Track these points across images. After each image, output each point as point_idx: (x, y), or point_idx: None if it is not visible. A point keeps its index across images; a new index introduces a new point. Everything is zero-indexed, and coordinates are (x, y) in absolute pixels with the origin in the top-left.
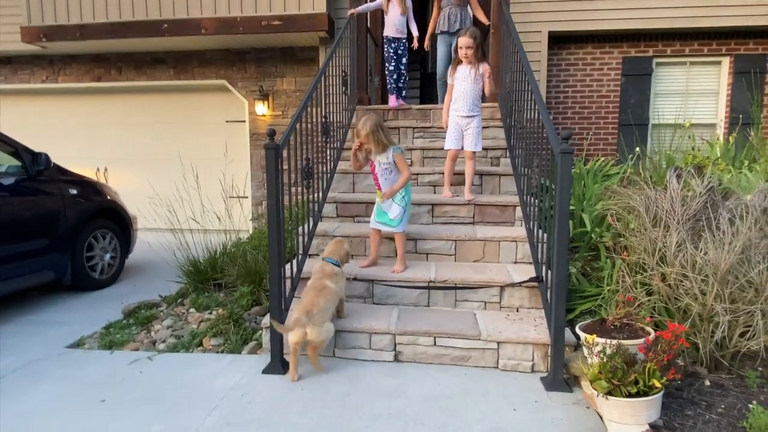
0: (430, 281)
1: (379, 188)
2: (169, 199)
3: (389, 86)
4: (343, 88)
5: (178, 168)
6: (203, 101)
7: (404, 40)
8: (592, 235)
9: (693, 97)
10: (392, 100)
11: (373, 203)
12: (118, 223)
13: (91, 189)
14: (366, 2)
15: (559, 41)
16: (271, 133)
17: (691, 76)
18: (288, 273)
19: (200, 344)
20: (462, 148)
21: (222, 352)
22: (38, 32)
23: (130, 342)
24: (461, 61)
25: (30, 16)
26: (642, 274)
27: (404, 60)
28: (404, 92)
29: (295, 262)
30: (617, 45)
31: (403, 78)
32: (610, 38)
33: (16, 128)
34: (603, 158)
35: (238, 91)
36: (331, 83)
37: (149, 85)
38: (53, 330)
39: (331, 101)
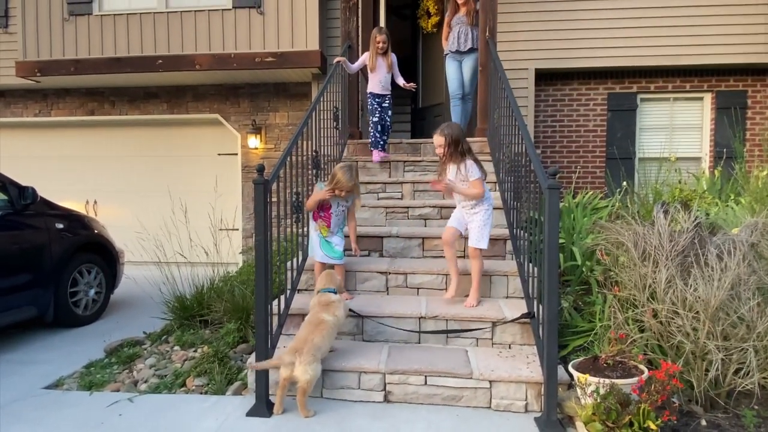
0: (421, 317)
1: (329, 226)
2: (158, 232)
3: (372, 139)
4: (335, 123)
5: (168, 200)
6: (196, 135)
7: (389, 96)
8: (583, 269)
9: (678, 131)
10: (375, 155)
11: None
12: (105, 257)
13: (77, 223)
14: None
15: (545, 77)
16: (261, 168)
17: (675, 111)
18: (276, 309)
19: (183, 384)
20: (462, 236)
21: (206, 392)
22: (33, 67)
23: (111, 382)
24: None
25: (26, 51)
26: (633, 311)
27: (389, 113)
28: (386, 144)
29: (283, 298)
30: (602, 81)
31: (387, 132)
32: (595, 75)
33: (8, 160)
34: (591, 192)
35: (231, 124)
36: (322, 118)
37: (142, 119)
38: (31, 369)
39: (322, 135)
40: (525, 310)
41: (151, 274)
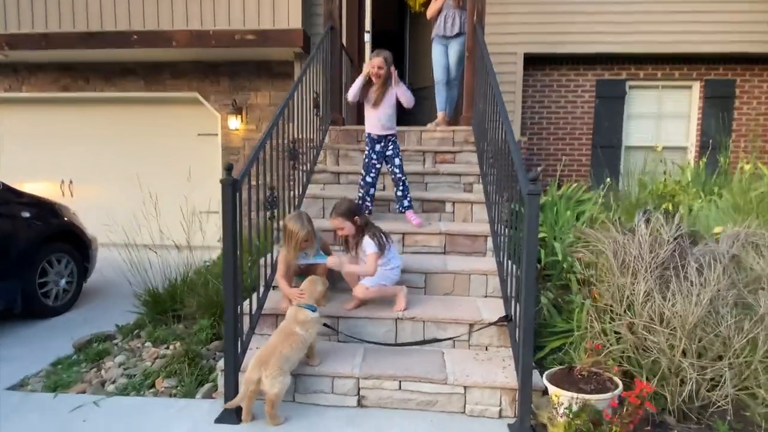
0: (398, 318)
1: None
2: (136, 213)
3: (360, 202)
4: (315, 110)
5: (147, 181)
6: (174, 113)
7: (394, 137)
8: (564, 265)
9: (665, 120)
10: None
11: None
12: (76, 245)
13: (46, 211)
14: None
15: (534, 62)
16: (229, 168)
17: (664, 99)
18: (249, 308)
19: (153, 385)
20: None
21: (175, 395)
22: (1, 41)
23: (78, 383)
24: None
25: None
26: (610, 322)
27: (397, 162)
28: (409, 200)
29: (255, 296)
30: (591, 67)
31: (407, 188)
32: (585, 60)
33: None
34: (576, 183)
35: (210, 104)
36: (302, 105)
37: (119, 96)
38: None
39: (301, 123)
40: (503, 311)
41: (128, 257)
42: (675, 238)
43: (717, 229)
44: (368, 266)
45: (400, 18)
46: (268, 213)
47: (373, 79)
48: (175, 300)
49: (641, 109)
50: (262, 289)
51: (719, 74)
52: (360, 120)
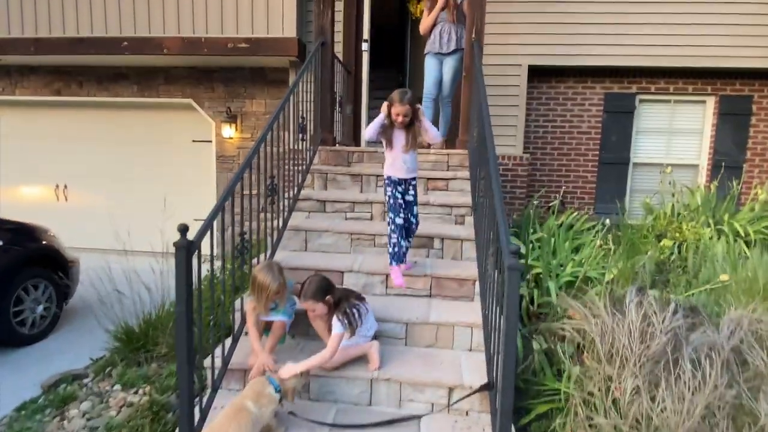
0: (372, 379)
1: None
2: (129, 220)
3: (393, 250)
4: (300, 135)
5: (140, 187)
6: (169, 119)
7: (415, 180)
8: (558, 309)
9: (676, 136)
10: (396, 275)
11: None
12: (56, 268)
13: (23, 236)
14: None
15: (539, 74)
16: (183, 229)
17: (675, 114)
18: (216, 356)
19: None
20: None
21: None
22: None
23: None
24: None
25: None
26: (594, 417)
27: (416, 210)
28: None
29: (220, 349)
30: (600, 80)
31: (412, 233)
32: (592, 73)
33: None
34: (577, 212)
35: (204, 111)
36: (286, 129)
37: (112, 101)
38: None
39: (285, 151)
40: (485, 371)
41: (121, 265)
42: (670, 330)
43: (723, 277)
44: (328, 350)
45: (401, 15)
46: (238, 260)
47: (397, 125)
48: (148, 337)
49: (651, 125)
50: (228, 342)
51: (735, 89)
52: (356, 138)
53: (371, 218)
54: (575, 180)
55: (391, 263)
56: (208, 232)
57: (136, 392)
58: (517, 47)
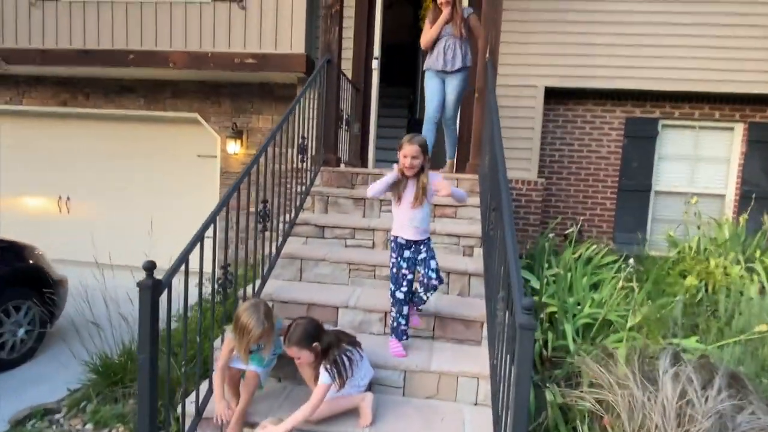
0: None
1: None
2: (132, 234)
3: (392, 325)
4: (300, 156)
5: (144, 201)
6: (174, 133)
7: (429, 239)
8: (573, 358)
9: (701, 164)
10: (395, 346)
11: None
12: (42, 288)
13: (6, 254)
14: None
15: (556, 96)
16: (149, 267)
17: (700, 141)
18: (190, 401)
19: None
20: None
21: None
22: None
23: None
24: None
25: None
26: None
27: (434, 264)
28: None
29: (195, 394)
30: (621, 103)
31: (433, 290)
32: (613, 96)
33: None
34: (595, 244)
35: (211, 125)
36: (286, 148)
37: (118, 114)
38: None
39: (284, 171)
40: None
41: (112, 283)
42: (714, 412)
43: (761, 328)
44: (309, 404)
45: (414, 32)
46: (219, 297)
47: (406, 172)
48: (126, 371)
49: (675, 151)
50: (204, 388)
51: (766, 116)
52: (363, 158)
53: (373, 246)
54: (593, 207)
55: (392, 336)
56: (183, 268)
57: None
58: (533, 68)
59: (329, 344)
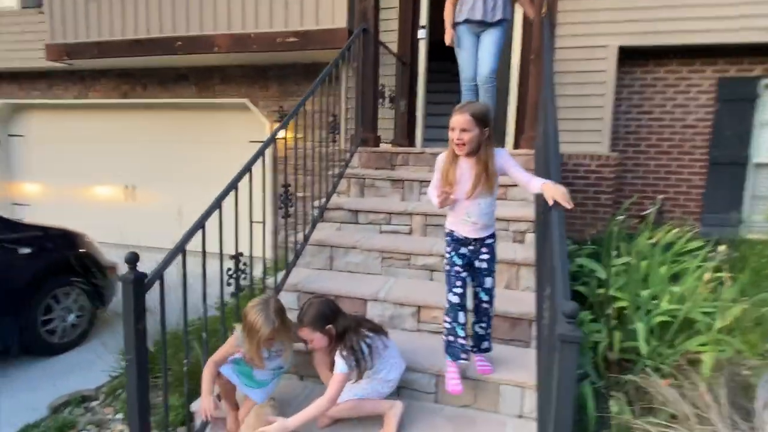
0: None
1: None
2: (190, 220)
3: (446, 340)
4: (331, 135)
5: (201, 188)
6: (226, 120)
7: (491, 238)
8: (646, 362)
9: None
10: (451, 376)
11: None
12: (92, 274)
13: (54, 241)
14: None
15: (632, 56)
16: (132, 259)
17: None
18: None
19: None
20: None
21: None
22: (61, 50)
23: None
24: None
25: (53, 34)
26: None
27: (489, 282)
28: (489, 342)
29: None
30: (711, 62)
31: (488, 321)
32: (701, 53)
33: (50, 142)
34: (678, 227)
35: (259, 110)
36: (317, 128)
37: (174, 103)
38: None
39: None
40: None
41: (174, 269)
42: None
43: None
44: (325, 397)
45: None
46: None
47: (457, 150)
48: (156, 361)
49: None
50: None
51: None
52: (410, 137)
53: (410, 232)
54: (677, 184)
55: (450, 361)
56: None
57: None
58: (604, 25)
59: (346, 328)
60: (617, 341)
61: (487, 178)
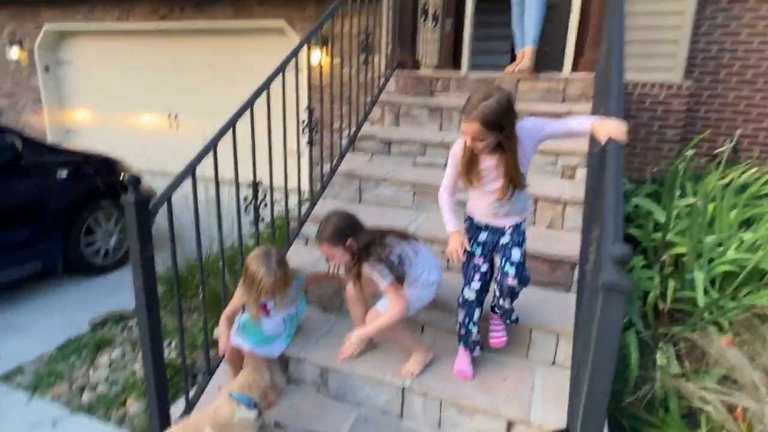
0: (404, 388)
1: (267, 314)
2: (228, 149)
3: (459, 332)
4: (362, 57)
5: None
6: (262, 45)
7: (518, 225)
8: (703, 316)
9: None
10: (461, 360)
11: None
12: None
13: (92, 167)
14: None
15: None
16: (134, 181)
17: None
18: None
19: (124, 403)
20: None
21: (134, 428)
22: None
23: (62, 383)
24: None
25: None
26: None
27: (517, 255)
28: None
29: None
30: None
31: (511, 299)
32: None
33: (96, 69)
34: (756, 168)
35: (297, 33)
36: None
37: (211, 28)
38: (11, 343)
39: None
40: (567, 404)
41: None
42: None
43: None
44: (393, 309)
45: None
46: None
47: (476, 150)
48: (189, 284)
49: None
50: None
51: None
52: (456, 61)
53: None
54: (758, 119)
55: (463, 347)
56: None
57: (169, 344)
58: None
59: (369, 242)
60: (671, 290)
61: (515, 175)
